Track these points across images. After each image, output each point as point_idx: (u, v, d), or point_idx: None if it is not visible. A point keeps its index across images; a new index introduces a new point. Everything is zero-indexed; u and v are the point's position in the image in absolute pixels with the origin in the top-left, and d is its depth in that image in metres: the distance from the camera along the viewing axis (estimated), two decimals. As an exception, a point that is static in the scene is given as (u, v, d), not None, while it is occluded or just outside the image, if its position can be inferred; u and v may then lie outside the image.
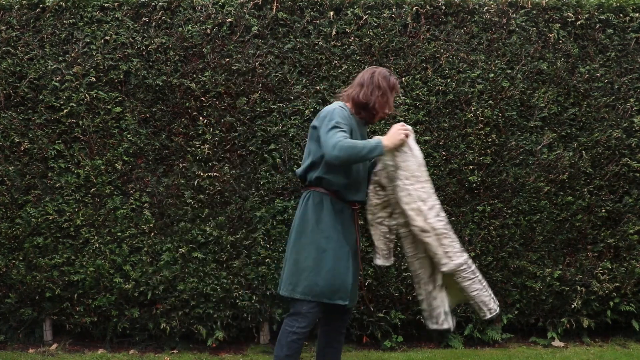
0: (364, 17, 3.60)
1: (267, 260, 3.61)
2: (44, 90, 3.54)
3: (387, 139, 2.41)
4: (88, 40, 3.54)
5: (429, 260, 2.52)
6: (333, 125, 2.39)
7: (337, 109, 2.49)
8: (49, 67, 3.52)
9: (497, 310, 2.47)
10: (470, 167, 3.67)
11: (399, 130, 2.42)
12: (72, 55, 3.53)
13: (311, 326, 2.53)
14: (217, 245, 3.60)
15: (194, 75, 3.56)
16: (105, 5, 3.54)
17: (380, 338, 3.74)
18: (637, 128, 3.73)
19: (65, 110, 3.53)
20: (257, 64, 3.56)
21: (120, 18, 3.54)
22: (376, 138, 2.42)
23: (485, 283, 2.49)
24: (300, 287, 2.49)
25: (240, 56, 3.56)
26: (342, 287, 2.49)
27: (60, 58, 3.54)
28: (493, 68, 3.66)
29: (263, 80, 3.57)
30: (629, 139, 3.74)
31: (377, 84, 2.53)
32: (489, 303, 2.45)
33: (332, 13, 3.58)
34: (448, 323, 2.50)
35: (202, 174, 3.57)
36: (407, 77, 3.62)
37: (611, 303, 3.76)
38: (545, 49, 3.69)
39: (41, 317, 3.70)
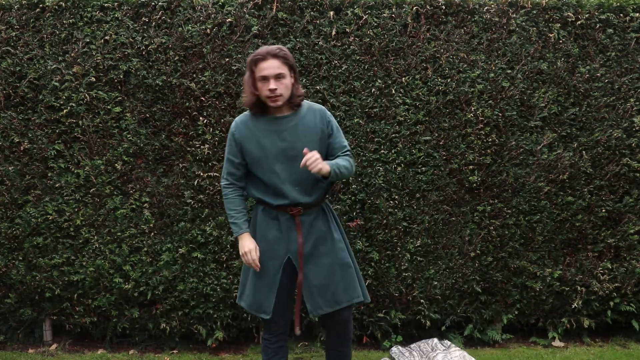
0: (364, 17, 3.60)
1: (267, 260, 3.61)
2: (43, 90, 3.54)
3: (242, 243, 2.44)
4: (88, 40, 3.54)
5: None
6: (225, 158, 2.51)
7: (231, 127, 2.49)
8: (48, 67, 3.52)
9: None
10: (470, 167, 3.67)
11: (246, 255, 2.43)
12: (72, 55, 3.53)
13: (275, 334, 2.52)
14: (217, 245, 3.60)
15: (194, 75, 3.56)
16: (105, 5, 3.54)
17: (380, 338, 3.74)
18: (637, 128, 3.72)
19: (65, 110, 3.53)
20: (257, 63, 3.55)
21: (120, 18, 3.54)
22: (244, 232, 2.46)
23: None
24: (243, 296, 2.58)
25: (240, 56, 3.56)
26: (265, 302, 2.44)
27: (60, 58, 3.54)
28: (493, 68, 3.66)
29: (263, 80, 3.57)
30: (629, 139, 3.73)
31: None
32: None
33: (332, 13, 3.58)
34: None
35: (202, 174, 3.57)
36: (407, 77, 3.62)
37: (611, 303, 3.76)
38: (545, 49, 3.69)
39: (41, 317, 3.70)
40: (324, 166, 2.26)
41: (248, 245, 2.41)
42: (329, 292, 2.45)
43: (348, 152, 2.53)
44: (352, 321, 2.61)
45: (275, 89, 2.29)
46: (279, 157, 2.38)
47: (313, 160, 2.21)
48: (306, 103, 2.49)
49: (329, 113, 2.50)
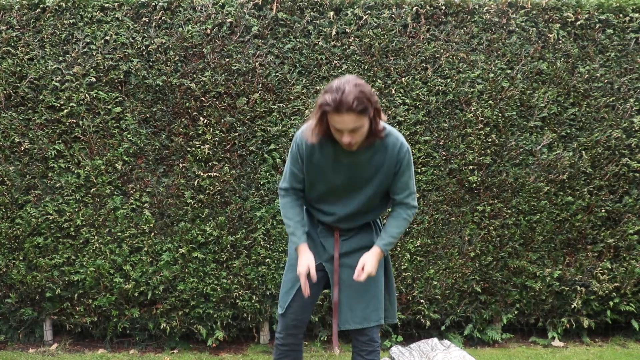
0: (364, 17, 3.60)
1: (267, 260, 3.61)
2: (44, 90, 3.54)
3: (301, 253, 2.21)
4: (88, 41, 3.55)
5: None
6: (287, 161, 2.30)
7: (296, 135, 2.23)
8: (49, 67, 3.53)
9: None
10: (470, 167, 3.67)
11: (300, 275, 2.19)
12: (72, 55, 3.53)
13: (287, 334, 2.39)
14: (217, 245, 3.61)
15: (194, 75, 3.56)
16: (105, 5, 3.54)
17: (380, 338, 3.74)
18: (636, 128, 3.73)
19: (65, 110, 3.54)
20: (257, 64, 3.56)
21: (120, 18, 3.54)
22: (302, 244, 2.24)
23: None
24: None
25: (240, 56, 3.57)
26: (285, 296, 2.37)
27: (60, 58, 3.54)
28: (493, 68, 3.66)
29: (263, 80, 3.57)
30: (629, 139, 3.74)
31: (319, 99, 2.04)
32: None
33: (332, 13, 3.58)
34: None
35: (202, 174, 3.57)
36: (407, 77, 3.62)
37: (611, 303, 3.76)
38: (545, 49, 3.69)
39: (41, 317, 3.70)
40: (375, 264, 2.20)
41: (304, 262, 2.19)
42: (359, 308, 2.32)
43: (409, 198, 2.26)
44: (378, 335, 2.47)
45: (350, 141, 2.03)
46: (336, 188, 2.24)
47: (366, 274, 2.16)
48: (384, 134, 2.15)
49: (405, 149, 2.18)
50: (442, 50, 3.64)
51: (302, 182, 2.29)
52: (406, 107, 3.63)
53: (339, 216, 2.29)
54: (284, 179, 2.33)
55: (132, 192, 3.60)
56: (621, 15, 3.73)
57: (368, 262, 2.19)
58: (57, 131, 3.56)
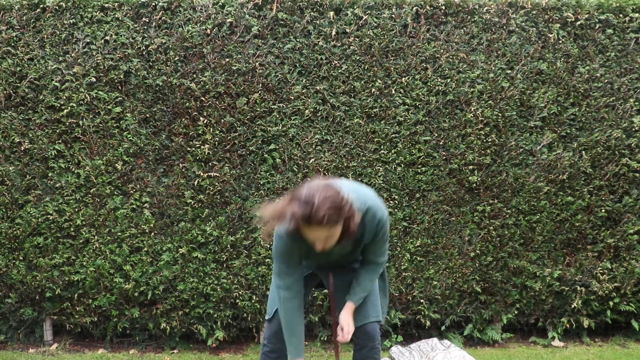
0: (364, 17, 3.60)
1: (267, 260, 3.61)
2: (44, 90, 3.54)
3: None
4: (88, 41, 3.55)
5: None
6: (274, 258, 2.22)
7: (275, 236, 2.14)
8: (49, 67, 3.53)
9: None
10: (470, 167, 3.67)
11: None
12: (72, 55, 3.53)
13: (275, 342, 2.37)
14: (217, 245, 3.61)
15: (194, 75, 3.56)
16: (105, 5, 3.54)
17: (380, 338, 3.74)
18: (637, 128, 3.73)
19: (65, 110, 3.54)
20: (257, 64, 3.56)
21: (120, 18, 3.54)
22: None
23: None
24: None
25: (240, 56, 3.57)
26: (271, 303, 2.39)
27: (60, 58, 3.54)
28: (493, 68, 3.66)
29: (263, 80, 3.57)
30: (629, 139, 3.74)
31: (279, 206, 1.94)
32: None
33: (332, 13, 3.58)
34: None
35: (202, 174, 3.57)
36: (407, 77, 3.62)
37: (611, 303, 3.76)
38: (545, 49, 3.69)
39: (41, 317, 3.70)
40: (352, 321, 2.26)
41: None
42: (356, 307, 2.34)
43: (379, 258, 2.26)
44: (378, 333, 2.45)
45: (322, 247, 1.97)
46: (321, 266, 2.37)
47: (350, 335, 2.22)
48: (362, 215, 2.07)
49: (383, 221, 2.13)
50: (442, 50, 3.64)
51: (301, 273, 2.27)
52: (406, 107, 3.63)
53: (327, 271, 2.40)
54: (283, 275, 2.22)
55: (132, 192, 3.60)
56: (621, 15, 3.73)
57: (350, 323, 2.25)
58: (57, 131, 3.56)
